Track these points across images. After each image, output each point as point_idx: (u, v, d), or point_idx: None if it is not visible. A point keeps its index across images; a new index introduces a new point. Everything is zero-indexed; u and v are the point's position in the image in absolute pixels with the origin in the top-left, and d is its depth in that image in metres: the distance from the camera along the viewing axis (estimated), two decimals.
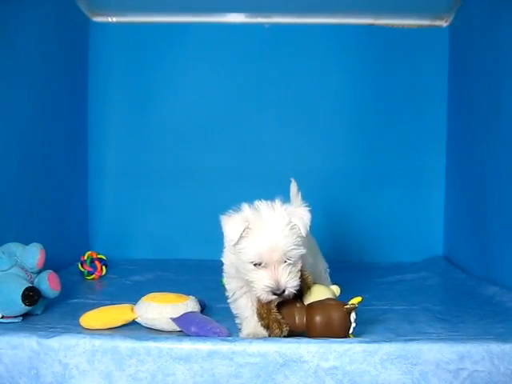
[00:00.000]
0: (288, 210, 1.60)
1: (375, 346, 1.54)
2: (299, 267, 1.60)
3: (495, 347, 1.54)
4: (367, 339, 1.58)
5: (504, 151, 2.28)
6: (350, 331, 1.61)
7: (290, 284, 1.57)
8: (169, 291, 1.91)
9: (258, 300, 1.61)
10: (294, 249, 1.56)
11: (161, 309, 1.74)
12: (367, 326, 1.76)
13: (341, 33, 3.11)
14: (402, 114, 3.14)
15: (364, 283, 2.53)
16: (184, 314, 1.74)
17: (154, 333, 1.65)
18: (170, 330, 1.74)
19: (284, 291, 1.56)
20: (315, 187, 3.07)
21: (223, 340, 1.56)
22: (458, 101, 2.95)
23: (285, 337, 1.60)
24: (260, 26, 3.14)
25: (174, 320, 1.72)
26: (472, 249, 2.64)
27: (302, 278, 1.63)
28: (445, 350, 1.53)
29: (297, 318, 1.64)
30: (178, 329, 1.73)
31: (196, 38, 3.13)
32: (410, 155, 3.14)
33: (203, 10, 3.08)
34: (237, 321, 1.78)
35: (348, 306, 1.60)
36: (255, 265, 1.57)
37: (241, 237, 1.57)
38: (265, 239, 1.54)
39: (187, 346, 1.54)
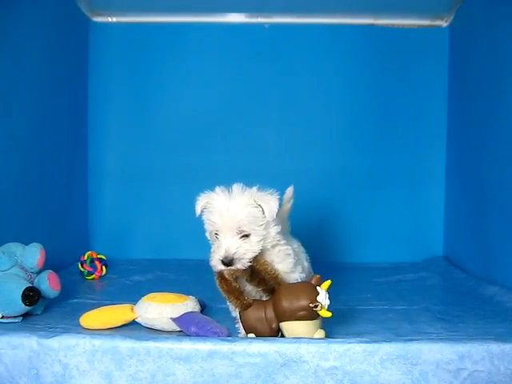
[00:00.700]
0: (255, 194, 1.68)
1: (375, 345, 1.54)
2: (255, 246, 1.63)
3: (495, 347, 1.54)
4: (367, 339, 1.57)
5: (504, 151, 2.28)
6: (323, 307, 1.57)
7: (238, 255, 1.60)
8: (169, 291, 1.91)
9: (218, 273, 1.65)
10: (249, 222, 1.61)
11: (161, 309, 1.74)
12: (367, 326, 1.76)
13: (341, 33, 3.11)
14: (401, 113, 3.14)
15: (364, 283, 2.53)
16: (184, 313, 1.74)
17: (153, 333, 1.65)
18: (170, 329, 1.74)
19: (232, 262, 1.59)
20: (314, 187, 3.08)
21: (223, 340, 1.56)
22: (457, 101, 2.95)
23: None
24: (260, 25, 3.14)
25: (174, 320, 1.72)
26: (472, 249, 2.64)
27: (272, 275, 1.64)
28: (445, 350, 1.53)
29: (267, 312, 1.64)
30: (178, 329, 1.73)
31: (196, 38, 3.13)
32: (410, 155, 3.14)
33: (203, 9, 3.08)
34: (236, 325, 1.78)
35: (314, 280, 1.60)
36: (216, 236, 1.64)
37: (204, 209, 1.69)
38: (219, 206, 1.64)
39: (187, 345, 1.54)
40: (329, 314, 1.57)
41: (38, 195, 2.48)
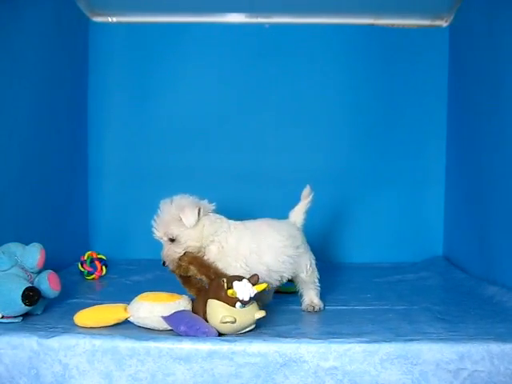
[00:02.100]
0: (177, 204, 1.90)
1: (375, 346, 1.54)
2: (179, 248, 1.86)
3: (495, 347, 1.54)
4: (367, 339, 1.58)
5: (504, 151, 2.28)
6: (244, 299, 1.65)
7: (167, 258, 1.88)
8: (168, 291, 1.90)
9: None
10: (172, 229, 1.86)
11: (152, 307, 1.74)
12: (367, 326, 1.76)
13: (341, 33, 3.11)
14: (401, 113, 3.14)
15: (364, 283, 2.53)
16: (175, 312, 1.73)
17: (154, 333, 1.65)
18: (161, 328, 1.73)
19: (165, 263, 1.90)
20: (315, 187, 3.07)
21: (223, 340, 1.57)
22: (458, 100, 2.95)
23: None
24: (260, 25, 3.14)
25: (165, 318, 1.72)
26: (472, 249, 2.64)
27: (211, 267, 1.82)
28: (445, 350, 1.54)
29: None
30: (169, 328, 1.73)
31: (196, 37, 3.13)
32: (410, 155, 3.14)
33: (203, 10, 3.08)
34: None
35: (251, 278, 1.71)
36: None
37: None
38: (155, 219, 1.93)
39: (187, 345, 1.55)
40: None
41: (38, 195, 2.47)
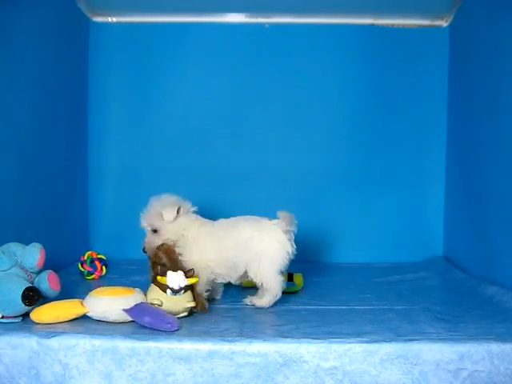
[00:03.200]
0: (162, 201, 2.16)
1: (375, 346, 1.55)
2: (158, 239, 2.14)
3: (495, 347, 1.54)
4: (367, 339, 1.58)
5: (504, 151, 2.28)
6: (173, 287, 1.86)
7: (147, 245, 2.17)
8: None
9: None
10: (155, 222, 2.14)
11: (112, 301, 1.79)
12: (367, 326, 1.76)
13: (341, 33, 3.10)
14: (401, 113, 3.13)
15: (364, 283, 2.53)
16: (135, 305, 1.79)
17: (153, 333, 1.65)
18: (121, 320, 1.78)
19: (144, 250, 2.17)
20: (314, 187, 3.08)
21: (223, 340, 1.57)
22: (457, 101, 2.95)
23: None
24: (260, 25, 3.13)
25: (127, 311, 1.76)
26: (472, 249, 2.64)
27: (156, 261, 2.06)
28: (445, 350, 1.54)
29: None
30: (130, 319, 1.77)
31: (196, 37, 3.12)
32: (410, 155, 3.13)
33: (203, 9, 3.08)
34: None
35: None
36: None
37: None
38: (143, 211, 2.20)
39: (187, 345, 1.55)
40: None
41: (38, 195, 2.47)
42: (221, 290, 2.22)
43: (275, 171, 3.10)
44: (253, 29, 3.13)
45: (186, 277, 1.89)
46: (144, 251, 2.17)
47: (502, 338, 1.59)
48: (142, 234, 3.13)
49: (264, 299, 2.04)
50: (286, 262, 2.07)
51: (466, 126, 2.78)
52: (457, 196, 2.94)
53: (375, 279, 2.62)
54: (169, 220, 2.12)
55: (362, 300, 2.17)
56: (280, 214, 2.11)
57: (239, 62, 3.12)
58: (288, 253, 2.07)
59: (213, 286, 2.14)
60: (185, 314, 1.87)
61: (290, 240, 2.09)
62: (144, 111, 3.14)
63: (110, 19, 3.14)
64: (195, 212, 2.20)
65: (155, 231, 2.15)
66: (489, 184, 2.45)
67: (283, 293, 2.17)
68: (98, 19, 3.13)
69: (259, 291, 2.09)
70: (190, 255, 2.09)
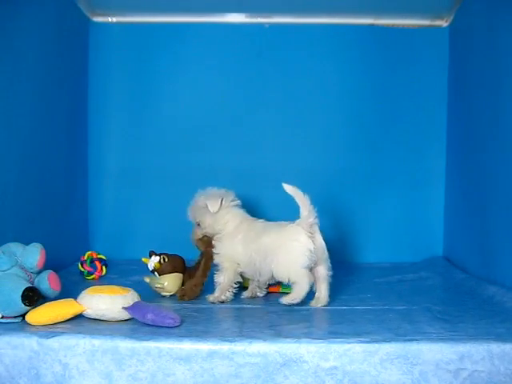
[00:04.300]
0: (205, 195, 2.27)
1: (375, 346, 1.55)
2: (200, 231, 2.28)
3: (495, 347, 1.54)
4: (367, 339, 1.58)
5: (504, 151, 2.28)
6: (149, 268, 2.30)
7: (192, 237, 2.31)
8: None
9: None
10: (197, 215, 2.27)
11: (112, 299, 1.79)
12: (367, 326, 1.76)
13: (341, 33, 3.11)
14: (401, 113, 3.14)
15: (364, 283, 2.53)
16: (135, 303, 1.80)
17: (153, 333, 1.65)
18: (120, 318, 1.78)
19: (192, 241, 2.32)
20: (314, 187, 3.06)
21: (223, 340, 1.57)
22: (457, 101, 2.95)
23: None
24: (260, 25, 3.14)
25: (127, 309, 1.77)
26: (472, 249, 2.64)
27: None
28: (445, 350, 1.54)
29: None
30: (127, 317, 1.78)
31: (196, 37, 3.13)
32: (410, 155, 3.13)
33: (203, 9, 3.08)
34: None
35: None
36: None
37: None
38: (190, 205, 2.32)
39: (187, 345, 1.55)
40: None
41: (38, 195, 2.47)
42: (264, 288, 2.27)
43: (273, 171, 3.09)
44: (253, 29, 3.14)
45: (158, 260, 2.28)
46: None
47: (502, 338, 1.59)
48: (143, 233, 3.15)
49: (290, 295, 2.03)
50: (310, 258, 2.04)
51: (466, 127, 2.78)
52: (457, 196, 2.94)
53: (375, 279, 2.62)
54: (214, 210, 2.21)
55: (362, 300, 2.17)
56: (301, 209, 2.11)
57: (239, 62, 3.13)
58: (310, 250, 2.03)
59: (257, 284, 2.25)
60: (165, 294, 2.22)
61: (312, 236, 2.08)
62: (144, 111, 3.14)
63: (109, 19, 3.14)
64: (239, 206, 2.29)
65: (198, 224, 2.27)
66: (488, 184, 2.45)
67: (281, 293, 2.17)
68: (98, 19, 3.13)
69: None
70: (222, 250, 2.20)
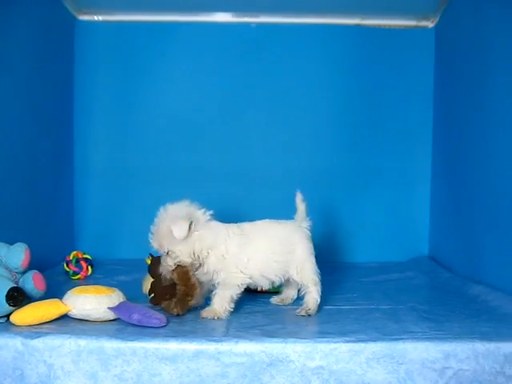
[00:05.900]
0: (171, 215, 1.87)
1: (361, 345, 1.55)
2: (172, 262, 1.87)
3: (480, 346, 1.55)
4: (353, 339, 1.58)
5: (489, 151, 2.30)
6: None
7: (162, 268, 1.90)
8: None
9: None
10: (165, 243, 1.87)
11: (98, 300, 1.79)
12: (353, 326, 1.77)
13: (328, 33, 3.11)
14: (387, 113, 3.15)
15: (350, 283, 2.54)
16: (120, 303, 1.80)
17: (139, 333, 1.65)
18: (105, 319, 1.78)
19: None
20: (300, 187, 3.07)
21: (209, 340, 1.56)
22: (443, 101, 2.97)
23: None
24: (247, 25, 3.13)
25: (113, 309, 1.77)
26: (457, 248, 2.66)
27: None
28: (430, 349, 1.54)
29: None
30: (113, 317, 1.78)
31: (183, 37, 3.12)
32: (396, 155, 3.15)
33: (190, 9, 3.07)
34: None
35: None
36: None
37: None
38: (151, 229, 1.96)
39: (173, 345, 1.54)
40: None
41: (23, 195, 2.46)
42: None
43: (262, 171, 3.10)
44: (239, 28, 3.13)
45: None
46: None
47: (486, 336, 1.60)
48: (128, 233, 3.13)
49: (311, 302, 1.96)
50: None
51: (452, 127, 2.79)
52: (442, 196, 2.96)
53: (362, 279, 2.62)
54: (180, 238, 1.83)
55: (348, 299, 2.18)
56: (298, 205, 2.11)
57: (225, 61, 3.12)
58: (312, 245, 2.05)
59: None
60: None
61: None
62: (130, 110, 3.13)
63: (95, 18, 3.13)
64: (213, 217, 1.94)
65: (168, 253, 1.88)
66: (474, 184, 2.47)
67: (268, 292, 2.16)
68: (84, 18, 3.11)
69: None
70: (235, 269, 1.88)
